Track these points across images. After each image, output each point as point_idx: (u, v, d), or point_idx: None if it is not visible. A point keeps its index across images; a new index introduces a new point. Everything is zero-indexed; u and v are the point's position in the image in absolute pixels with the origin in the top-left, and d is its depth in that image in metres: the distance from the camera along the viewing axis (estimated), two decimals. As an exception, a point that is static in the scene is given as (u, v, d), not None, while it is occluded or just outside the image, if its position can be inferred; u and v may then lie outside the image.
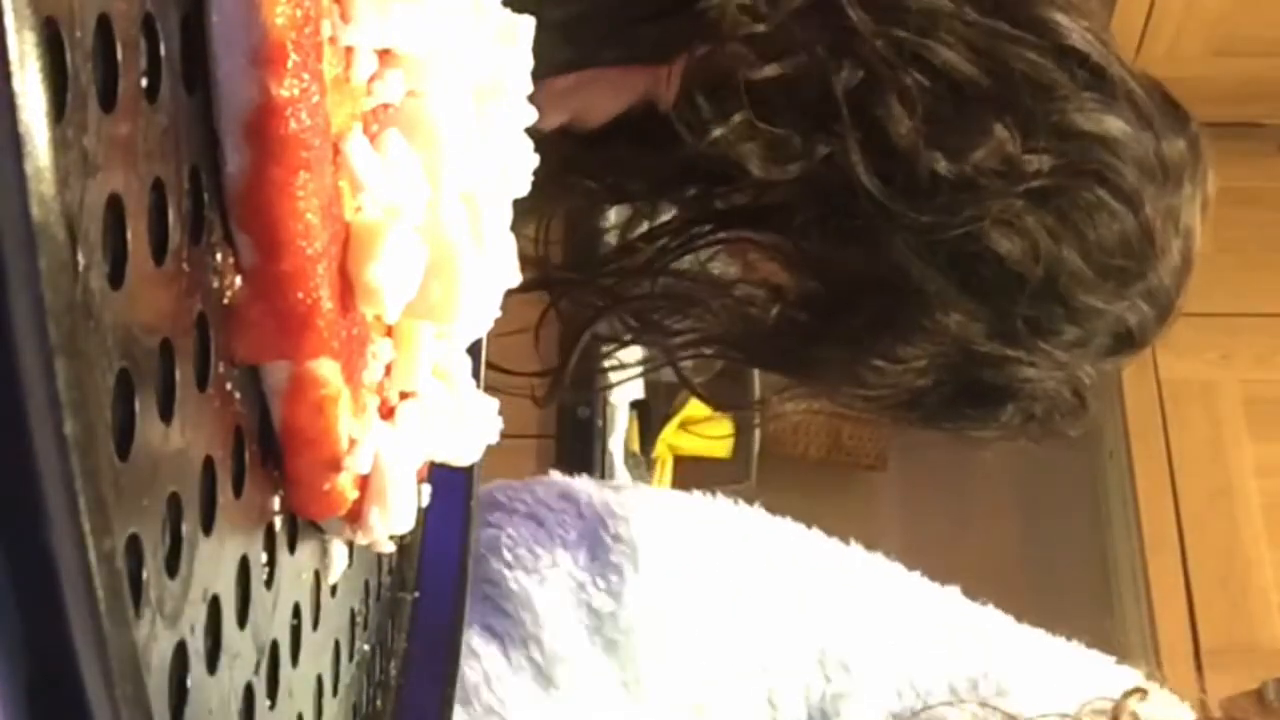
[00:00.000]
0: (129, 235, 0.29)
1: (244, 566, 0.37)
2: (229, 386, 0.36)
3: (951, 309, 0.85)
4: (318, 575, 0.45)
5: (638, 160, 0.97)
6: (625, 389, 1.89)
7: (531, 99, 0.52)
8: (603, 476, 1.86)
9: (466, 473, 0.58)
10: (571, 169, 0.97)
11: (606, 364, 1.09)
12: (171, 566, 0.31)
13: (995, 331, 0.86)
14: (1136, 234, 0.84)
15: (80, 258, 0.26)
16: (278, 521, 0.40)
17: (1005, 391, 0.90)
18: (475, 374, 0.52)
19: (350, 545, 0.47)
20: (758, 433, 2.16)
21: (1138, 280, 0.87)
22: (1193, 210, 0.89)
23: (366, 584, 0.53)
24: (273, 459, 0.39)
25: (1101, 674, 0.80)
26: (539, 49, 0.51)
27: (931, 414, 0.94)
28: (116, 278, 0.28)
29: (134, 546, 0.28)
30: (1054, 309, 0.86)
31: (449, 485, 0.53)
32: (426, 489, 0.51)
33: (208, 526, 0.34)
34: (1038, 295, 0.84)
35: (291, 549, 0.42)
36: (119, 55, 0.28)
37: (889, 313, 0.87)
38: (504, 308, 0.51)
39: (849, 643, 0.78)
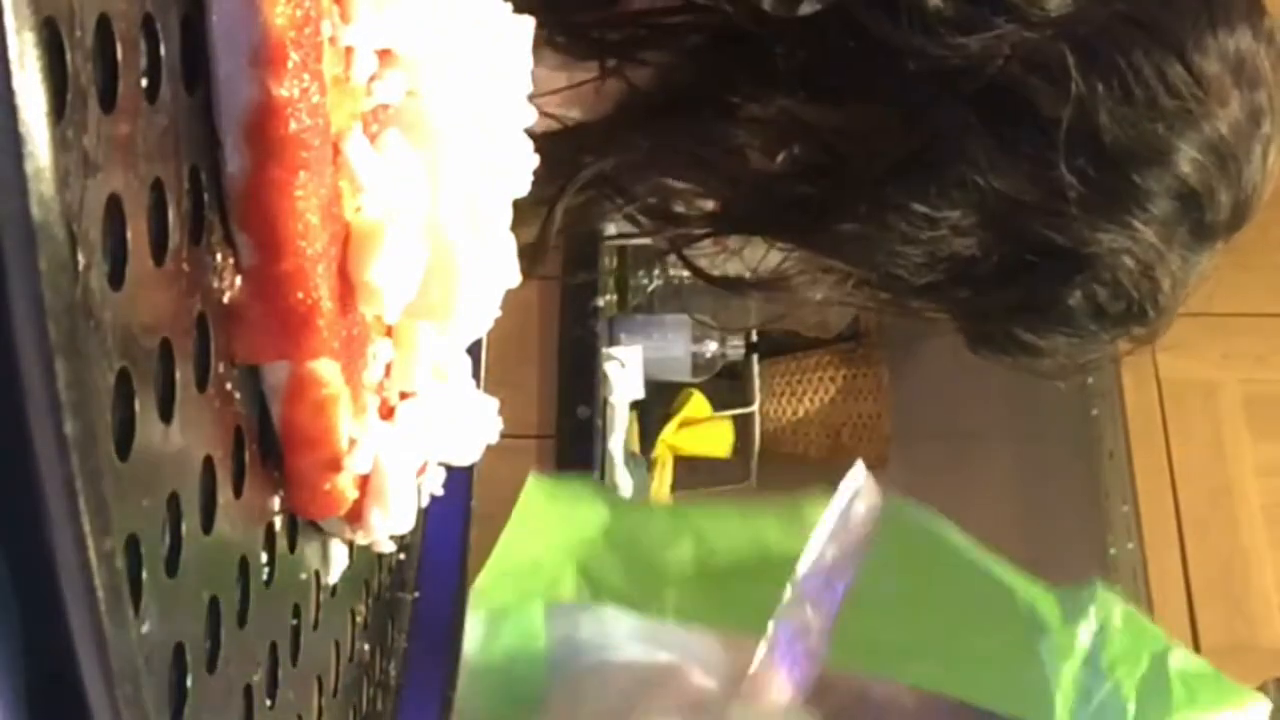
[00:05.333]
0: (129, 235, 0.29)
1: (244, 566, 0.37)
2: (229, 386, 0.36)
3: (983, 159, 0.78)
4: (318, 575, 0.45)
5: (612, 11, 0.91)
6: (625, 389, 1.89)
7: None
8: (602, 477, 1.86)
9: (466, 473, 0.58)
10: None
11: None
12: (171, 566, 0.31)
13: (1040, 187, 0.79)
14: (1183, 77, 0.78)
15: (80, 258, 0.26)
16: (278, 521, 0.40)
17: (1068, 259, 0.81)
18: (475, 374, 0.52)
19: (350, 545, 0.47)
20: (758, 432, 2.16)
21: (1189, 129, 0.79)
22: (1256, 55, 0.81)
23: (366, 584, 0.53)
24: (273, 459, 0.39)
25: None
26: None
27: (983, 292, 0.83)
28: (116, 278, 0.28)
29: (134, 546, 0.28)
30: (1099, 160, 0.78)
31: (449, 485, 0.53)
32: (426, 488, 0.51)
33: (208, 526, 0.34)
34: (1077, 144, 0.78)
35: (291, 549, 0.42)
36: (119, 55, 0.28)
37: (913, 160, 0.80)
38: (504, 307, 0.51)
39: None
